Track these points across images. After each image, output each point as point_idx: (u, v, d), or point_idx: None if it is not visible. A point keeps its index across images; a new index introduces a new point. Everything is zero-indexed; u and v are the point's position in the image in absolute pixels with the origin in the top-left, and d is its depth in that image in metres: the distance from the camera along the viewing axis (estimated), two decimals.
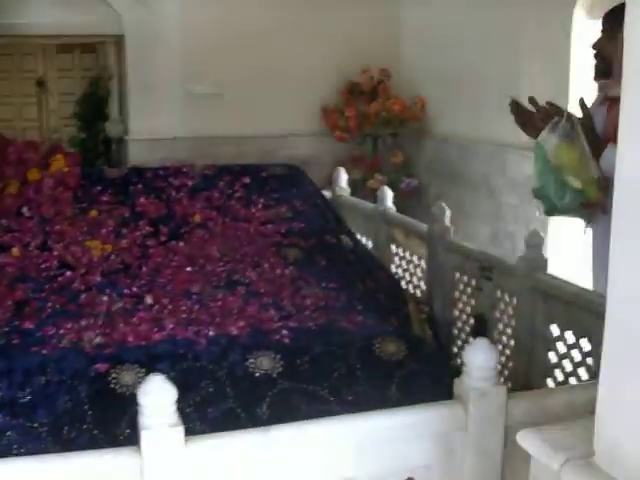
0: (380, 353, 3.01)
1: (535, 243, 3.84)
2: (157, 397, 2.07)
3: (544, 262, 3.87)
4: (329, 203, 4.75)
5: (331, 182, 6.20)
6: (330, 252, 4.17)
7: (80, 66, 8.31)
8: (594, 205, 3.30)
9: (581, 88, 5.36)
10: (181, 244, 4.02)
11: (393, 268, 5.23)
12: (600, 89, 3.62)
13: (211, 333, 3.04)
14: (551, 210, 3.49)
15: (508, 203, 6.42)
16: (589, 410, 1.85)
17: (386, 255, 5.29)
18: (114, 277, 3.69)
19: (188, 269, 3.78)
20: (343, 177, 6.14)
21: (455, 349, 4.51)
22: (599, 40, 3.50)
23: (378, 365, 2.97)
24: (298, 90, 7.87)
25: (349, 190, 6.16)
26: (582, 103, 3.38)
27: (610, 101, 3.30)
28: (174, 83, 7.69)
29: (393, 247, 5.27)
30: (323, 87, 7.97)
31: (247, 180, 4.57)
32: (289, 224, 4.31)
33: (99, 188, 4.36)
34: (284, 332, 3.07)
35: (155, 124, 7.67)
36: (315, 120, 8.01)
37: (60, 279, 3.63)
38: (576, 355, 3.58)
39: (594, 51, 3.54)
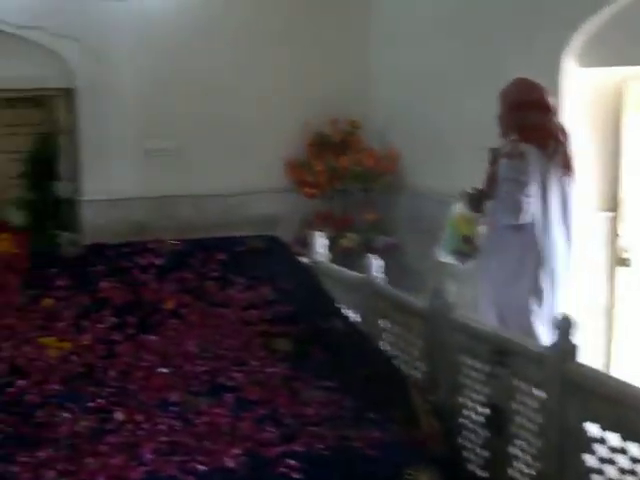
0: None
1: (565, 328, 3.33)
2: None
3: (574, 350, 3.36)
4: (314, 278, 4.21)
5: (299, 243, 5.67)
6: (323, 339, 3.65)
7: (28, 121, 7.70)
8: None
9: None
10: (152, 337, 3.45)
11: (385, 346, 4.71)
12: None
13: (201, 467, 2.46)
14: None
15: None
16: None
17: (376, 331, 4.77)
18: (76, 384, 3.11)
19: (163, 370, 3.21)
20: (321, 241, 5.61)
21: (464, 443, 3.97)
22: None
23: None
24: (261, 143, 7.35)
25: (328, 256, 5.63)
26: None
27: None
28: (129, 138, 7.13)
29: (384, 322, 4.74)
30: (288, 140, 7.44)
31: (223, 256, 4.03)
32: (275, 308, 3.78)
33: (54, 271, 3.78)
34: (291, 462, 2.50)
35: (110, 183, 7.10)
36: (279, 175, 7.49)
37: (11, 390, 3.04)
38: (622, 460, 3.07)
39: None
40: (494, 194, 4.25)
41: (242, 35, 7.17)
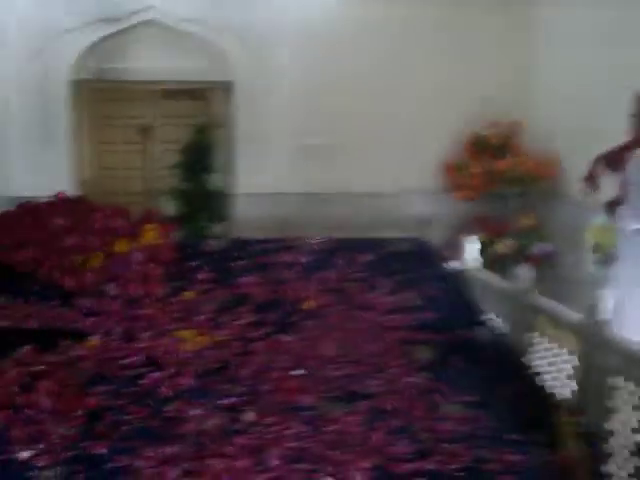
0: None
1: None
2: None
3: None
4: (462, 285, 4.01)
5: (451, 246, 5.46)
6: (466, 350, 3.46)
7: (186, 113, 7.79)
8: None
9: None
10: (289, 338, 3.35)
11: (534, 361, 4.46)
12: None
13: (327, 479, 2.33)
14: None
15: None
16: None
17: (524, 344, 4.53)
18: (208, 380, 3.03)
19: (297, 373, 3.09)
20: (473, 246, 5.40)
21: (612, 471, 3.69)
22: None
23: None
24: (417, 143, 7.16)
25: (481, 262, 5.41)
26: None
27: None
28: (284, 134, 7.09)
29: (535, 336, 4.50)
30: (445, 141, 7.23)
31: (369, 257, 3.89)
32: (419, 314, 3.61)
33: (196, 263, 3.74)
34: None
35: (262, 177, 7.08)
36: (435, 177, 7.29)
37: (144, 381, 2.99)
38: None
39: None
40: (625, 199, 4.18)
41: (402, 33, 7.01)
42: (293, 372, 3.08)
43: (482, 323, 3.74)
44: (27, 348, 3.15)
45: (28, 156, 6.79)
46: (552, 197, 7.08)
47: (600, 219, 4.46)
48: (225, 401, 2.87)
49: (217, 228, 7.22)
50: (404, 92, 7.08)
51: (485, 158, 7.17)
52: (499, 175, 7.09)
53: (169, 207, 7.30)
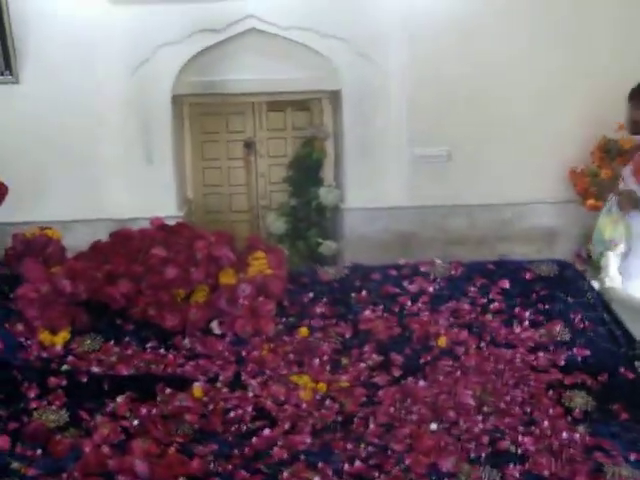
0: None
1: None
2: None
3: None
4: (613, 312, 3.47)
5: (580, 261, 4.95)
6: (629, 395, 2.92)
7: (292, 125, 7.42)
8: None
9: None
10: (422, 383, 2.88)
11: None
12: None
13: None
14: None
15: None
16: None
17: None
18: (329, 438, 2.59)
19: (433, 427, 2.62)
20: (614, 263, 4.86)
21: None
22: None
23: None
24: (540, 149, 6.64)
25: (620, 280, 4.87)
26: None
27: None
28: (396, 144, 6.66)
29: None
30: (571, 146, 6.68)
31: (506, 284, 3.40)
32: (568, 352, 3.10)
33: (311, 295, 3.31)
34: None
35: (374, 191, 6.68)
36: (561, 185, 6.74)
37: (254, 440, 2.57)
38: None
39: None
40: None
41: (518, 34, 6.50)
42: (430, 427, 2.61)
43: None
44: (122, 398, 2.78)
45: (128, 175, 6.53)
46: None
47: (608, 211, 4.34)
48: (350, 466, 2.42)
49: (329, 246, 6.84)
50: (522, 95, 6.58)
51: (616, 164, 6.58)
52: None
53: (277, 224, 6.96)
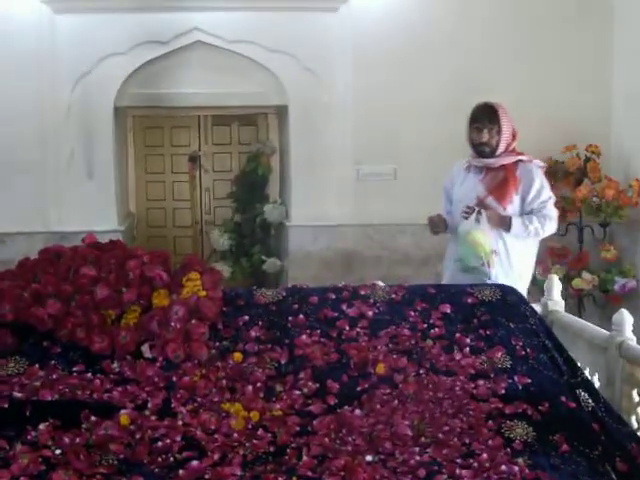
0: None
1: None
2: None
3: None
4: (556, 339, 3.42)
5: None
6: (569, 425, 2.85)
7: (238, 140, 7.34)
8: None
9: None
10: (358, 412, 2.78)
11: (634, 422, 3.87)
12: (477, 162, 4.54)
13: None
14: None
15: None
16: None
17: (624, 402, 3.95)
18: (260, 470, 2.48)
19: (369, 458, 2.53)
20: (557, 286, 4.85)
21: None
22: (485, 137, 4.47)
23: None
24: None
25: (563, 304, 4.86)
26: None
27: (487, 169, 4.47)
28: (342, 161, 6.60)
29: (635, 394, 3.92)
30: None
31: (447, 309, 3.31)
32: (509, 379, 3.02)
33: (246, 318, 3.20)
34: None
35: (320, 208, 6.61)
36: None
37: (182, 472, 2.45)
38: None
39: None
40: None
41: (471, 51, 6.51)
42: (365, 458, 2.52)
43: (585, 385, 3.13)
44: (44, 426, 2.64)
45: (70, 188, 6.38)
46: (634, 228, 6.53)
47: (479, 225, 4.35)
48: None
49: (273, 263, 6.74)
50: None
51: (562, 185, 6.62)
52: (577, 204, 6.54)
53: (221, 241, 6.86)
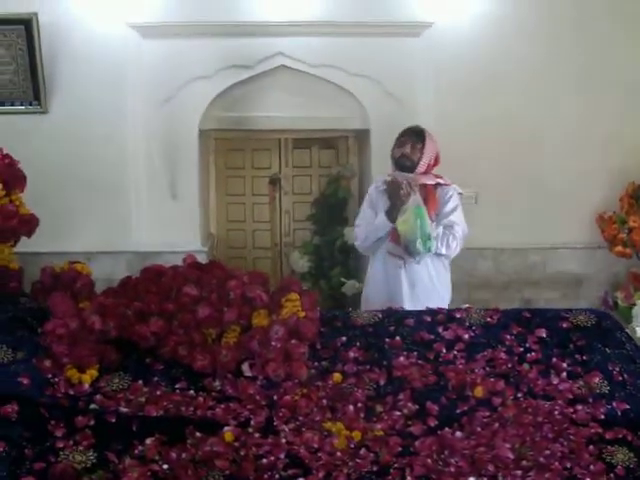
0: None
1: None
2: None
3: None
4: None
5: (605, 306, 4.91)
6: None
7: (318, 163, 7.40)
8: None
9: None
10: (459, 434, 2.79)
11: None
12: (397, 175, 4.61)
13: None
14: (414, 252, 4.49)
15: None
16: None
17: None
18: None
19: None
20: None
21: None
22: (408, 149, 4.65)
23: None
24: (567, 194, 6.61)
25: None
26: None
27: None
28: None
29: None
30: (598, 191, 6.66)
31: (543, 333, 3.32)
32: (608, 405, 3.01)
33: (344, 339, 3.24)
34: None
35: None
36: (588, 230, 6.69)
37: None
38: None
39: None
40: None
41: (543, 77, 6.50)
42: (468, 479, 2.53)
43: None
44: (151, 441, 2.70)
45: (153, 209, 6.50)
46: None
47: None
48: None
49: (352, 285, 6.77)
50: (550, 139, 6.57)
51: None
52: None
53: (300, 263, 6.91)
